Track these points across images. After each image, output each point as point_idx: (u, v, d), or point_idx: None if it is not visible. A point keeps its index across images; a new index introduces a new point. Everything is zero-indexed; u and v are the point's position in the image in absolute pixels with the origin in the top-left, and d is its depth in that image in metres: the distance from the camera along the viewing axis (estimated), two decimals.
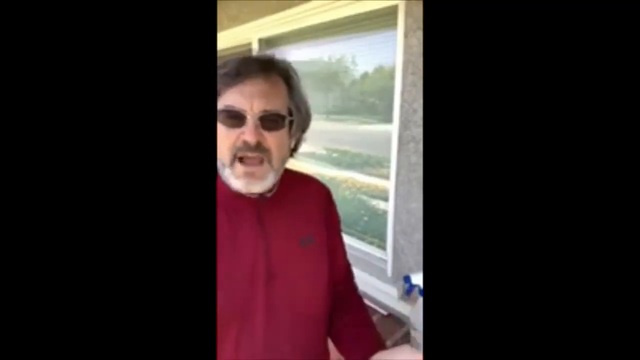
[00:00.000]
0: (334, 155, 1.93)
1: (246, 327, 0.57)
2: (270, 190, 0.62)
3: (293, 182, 0.68)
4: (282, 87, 0.58)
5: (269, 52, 0.61)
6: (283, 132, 0.57)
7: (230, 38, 2.27)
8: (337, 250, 0.72)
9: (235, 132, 0.54)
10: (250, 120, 0.53)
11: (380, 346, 0.60)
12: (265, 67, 0.56)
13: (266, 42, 2.09)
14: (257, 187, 0.57)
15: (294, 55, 1.96)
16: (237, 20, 2.18)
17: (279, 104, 0.56)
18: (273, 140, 0.55)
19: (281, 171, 0.61)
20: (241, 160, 0.55)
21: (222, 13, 2.25)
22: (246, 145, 0.54)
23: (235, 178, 0.56)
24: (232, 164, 0.55)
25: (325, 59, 1.85)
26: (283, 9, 1.80)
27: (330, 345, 0.71)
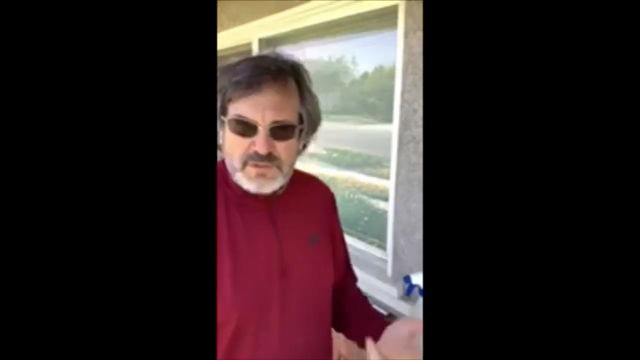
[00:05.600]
0: (334, 155, 1.93)
1: (264, 323, 0.59)
2: (280, 188, 0.63)
3: (301, 182, 0.70)
4: (294, 95, 0.58)
5: (278, 51, 0.61)
6: (293, 140, 0.58)
7: (230, 38, 2.27)
8: (338, 249, 0.75)
9: (247, 141, 0.55)
10: (262, 131, 0.54)
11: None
12: (277, 75, 0.55)
13: (266, 42, 2.09)
14: (268, 188, 0.58)
15: (294, 55, 1.95)
16: (237, 20, 2.18)
17: (290, 114, 0.56)
18: (283, 149, 0.56)
19: (290, 174, 0.62)
20: (252, 165, 0.56)
21: (222, 13, 2.25)
22: (257, 155, 0.55)
23: (247, 180, 0.57)
24: (243, 168, 0.57)
25: (325, 59, 1.85)
26: (283, 9, 1.80)
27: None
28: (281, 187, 0.62)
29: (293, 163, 0.62)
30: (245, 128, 0.54)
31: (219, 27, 2.27)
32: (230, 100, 0.55)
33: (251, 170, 0.56)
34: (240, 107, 0.54)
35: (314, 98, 0.62)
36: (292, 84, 0.58)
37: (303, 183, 0.70)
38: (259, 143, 0.54)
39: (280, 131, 0.55)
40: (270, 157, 0.55)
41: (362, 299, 0.76)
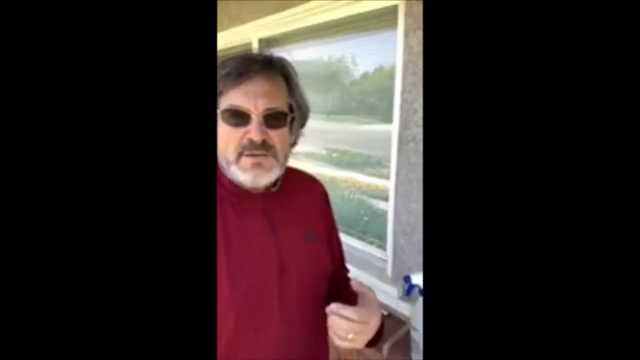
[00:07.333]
0: (334, 155, 1.93)
1: (263, 321, 0.59)
2: (274, 185, 0.63)
3: (295, 179, 0.70)
4: (283, 85, 0.59)
5: (266, 50, 0.61)
6: (285, 129, 0.59)
7: (230, 38, 2.27)
8: (334, 245, 0.75)
9: (240, 130, 0.55)
10: (255, 119, 0.54)
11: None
12: (265, 66, 0.57)
13: (266, 42, 2.09)
14: (264, 178, 0.58)
15: (294, 55, 1.96)
16: (237, 20, 2.18)
17: (280, 102, 0.57)
18: (277, 137, 0.57)
19: (285, 165, 0.62)
20: (247, 155, 0.56)
21: (222, 13, 2.25)
22: (252, 144, 0.55)
23: (242, 172, 0.57)
24: (237, 160, 0.56)
25: (325, 59, 1.85)
26: (283, 9, 1.80)
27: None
28: (276, 183, 0.62)
29: (287, 154, 0.62)
30: (239, 118, 0.55)
31: (219, 27, 2.27)
32: (221, 93, 0.56)
33: (247, 160, 0.56)
34: (232, 97, 0.55)
35: (302, 92, 0.63)
36: (279, 76, 0.59)
37: (297, 181, 0.71)
38: (253, 130, 0.54)
39: (272, 119, 0.56)
40: (265, 146, 0.56)
41: (355, 293, 0.76)
